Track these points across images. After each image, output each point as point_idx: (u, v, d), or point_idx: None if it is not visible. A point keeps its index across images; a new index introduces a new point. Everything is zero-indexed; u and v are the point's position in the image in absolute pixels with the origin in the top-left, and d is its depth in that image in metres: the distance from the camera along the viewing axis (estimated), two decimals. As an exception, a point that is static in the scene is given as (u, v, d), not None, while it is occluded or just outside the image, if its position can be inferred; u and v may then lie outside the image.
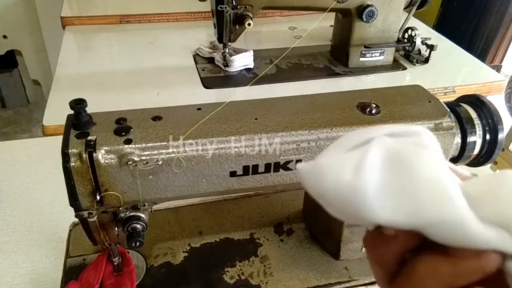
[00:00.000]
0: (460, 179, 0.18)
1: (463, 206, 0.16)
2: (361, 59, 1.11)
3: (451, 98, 0.71)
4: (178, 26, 1.33)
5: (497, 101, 1.00)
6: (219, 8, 0.93)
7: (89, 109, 0.43)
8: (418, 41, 1.12)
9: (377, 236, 0.19)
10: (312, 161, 0.19)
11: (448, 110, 0.49)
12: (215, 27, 0.99)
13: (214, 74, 1.08)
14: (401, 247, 0.19)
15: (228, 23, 0.96)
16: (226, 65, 1.07)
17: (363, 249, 0.54)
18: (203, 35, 1.24)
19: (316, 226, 0.65)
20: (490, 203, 0.17)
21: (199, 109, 0.47)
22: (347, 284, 0.59)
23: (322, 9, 1.02)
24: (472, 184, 0.17)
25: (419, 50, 1.15)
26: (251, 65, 1.10)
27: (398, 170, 0.17)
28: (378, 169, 0.17)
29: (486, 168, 0.83)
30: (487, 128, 0.49)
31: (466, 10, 2.11)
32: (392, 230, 0.18)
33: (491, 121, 0.49)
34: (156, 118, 0.45)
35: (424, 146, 0.17)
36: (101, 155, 0.41)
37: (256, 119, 0.46)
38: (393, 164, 0.17)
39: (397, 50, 1.17)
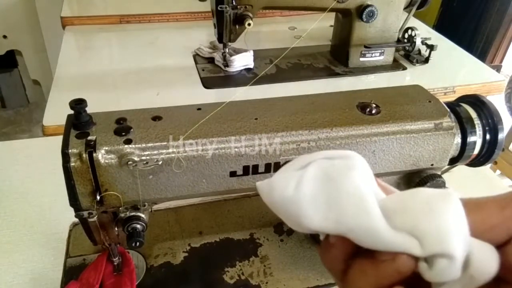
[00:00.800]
0: (385, 193, 0.22)
1: (378, 217, 0.20)
2: (361, 59, 1.11)
3: (451, 98, 0.71)
4: (178, 26, 1.33)
5: (497, 101, 1.00)
6: (219, 8, 0.94)
7: (89, 109, 0.43)
8: (418, 41, 1.12)
9: (325, 243, 0.23)
10: (267, 179, 0.23)
11: (448, 110, 0.49)
12: (215, 27, 0.99)
13: (214, 74, 1.08)
14: (340, 251, 0.22)
15: (228, 23, 0.96)
16: (226, 65, 1.07)
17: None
18: (203, 35, 1.24)
19: (316, 226, 0.65)
20: (402, 214, 0.20)
21: (199, 109, 0.47)
22: (347, 284, 0.59)
23: (322, 9, 1.02)
24: (391, 199, 0.21)
25: (419, 50, 1.15)
26: (251, 65, 1.10)
27: (328, 186, 0.21)
28: (312, 185, 0.21)
29: (486, 168, 0.83)
30: (487, 128, 0.49)
31: (466, 10, 2.11)
32: (333, 238, 0.22)
33: (491, 121, 0.49)
34: (156, 118, 0.45)
35: (352, 167, 0.21)
36: (101, 155, 0.41)
37: (256, 119, 0.45)
38: (324, 181, 0.21)
39: (397, 50, 1.17)
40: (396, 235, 0.20)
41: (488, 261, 0.19)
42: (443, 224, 0.19)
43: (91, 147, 0.40)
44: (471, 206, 0.20)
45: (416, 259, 0.20)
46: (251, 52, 1.10)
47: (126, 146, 0.41)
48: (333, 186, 0.21)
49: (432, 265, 0.19)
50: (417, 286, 0.20)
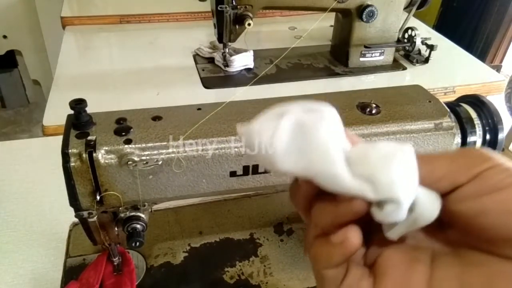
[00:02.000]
0: (352, 144, 0.24)
1: (340, 165, 0.23)
2: (361, 59, 1.11)
3: (451, 98, 0.71)
4: (178, 26, 1.33)
5: (497, 101, 1.00)
6: (219, 8, 0.93)
7: (89, 109, 0.43)
8: (418, 41, 1.12)
9: (293, 185, 0.26)
10: (247, 124, 0.26)
11: (448, 110, 0.48)
12: (215, 27, 0.99)
13: (214, 74, 1.08)
14: (306, 192, 0.25)
15: (228, 23, 0.96)
16: (226, 65, 1.07)
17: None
18: (203, 35, 1.24)
19: (316, 226, 0.65)
20: (362, 163, 0.23)
21: (199, 109, 0.47)
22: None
23: (322, 9, 1.02)
24: (355, 149, 0.24)
25: (419, 50, 1.15)
26: (251, 65, 1.10)
27: (299, 135, 0.24)
28: (286, 133, 0.24)
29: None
30: (487, 128, 0.49)
31: (466, 10, 2.11)
32: (300, 180, 0.25)
33: (491, 121, 0.49)
34: (156, 118, 0.45)
35: (323, 120, 0.24)
36: (101, 155, 0.41)
37: (256, 119, 0.45)
38: (297, 130, 0.24)
39: (397, 50, 1.17)
40: (355, 181, 0.23)
41: (430, 207, 0.23)
42: (394, 174, 0.22)
43: (91, 147, 0.40)
44: (425, 159, 0.23)
45: (369, 203, 0.23)
46: (251, 52, 1.10)
47: (126, 146, 0.41)
48: (304, 137, 0.23)
49: (382, 209, 0.22)
50: (370, 226, 0.24)
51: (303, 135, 0.23)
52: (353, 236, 0.23)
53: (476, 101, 0.50)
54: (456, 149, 0.24)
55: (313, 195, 0.25)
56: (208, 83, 1.04)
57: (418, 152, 0.23)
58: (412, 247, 0.25)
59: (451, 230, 0.24)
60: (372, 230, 0.25)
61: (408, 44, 1.14)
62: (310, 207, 0.26)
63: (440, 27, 2.16)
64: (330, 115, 0.24)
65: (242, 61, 1.08)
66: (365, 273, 0.24)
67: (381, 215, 0.23)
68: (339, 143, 0.24)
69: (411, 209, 0.22)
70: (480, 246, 0.23)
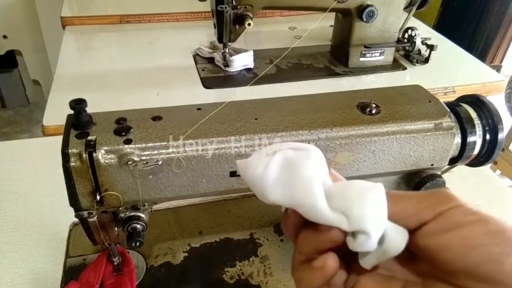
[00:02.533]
0: (334, 181, 0.28)
1: (320, 198, 0.26)
2: (361, 59, 1.11)
3: (451, 98, 0.71)
4: (178, 26, 1.33)
5: (497, 101, 1.00)
6: (219, 8, 0.93)
7: (89, 109, 0.43)
8: (418, 41, 1.12)
9: (284, 214, 0.30)
10: (244, 159, 0.29)
11: (448, 110, 0.48)
12: (215, 27, 0.99)
13: (214, 74, 1.08)
14: (294, 221, 0.29)
15: (228, 23, 0.96)
16: (226, 65, 1.07)
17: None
18: (203, 35, 1.24)
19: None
20: (339, 198, 0.26)
21: (199, 109, 0.47)
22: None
23: (322, 9, 1.02)
24: (335, 185, 0.27)
25: (419, 50, 1.15)
26: (251, 65, 1.10)
27: (287, 170, 0.27)
28: (276, 169, 0.27)
29: (486, 168, 0.83)
30: (487, 128, 0.49)
31: (466, 10, 2.10)
32: (290, 210, 0.28)
33: (491, 121, 0.49)
34: (156, 118, 0.45)
35: (308, 158, 0.27)
36: (101, 155, 0.41)
37: (256, 119, 0.45)
38: (285, 166, 0.27)
39: (397, 50, 1.17)
40: (332, 213, 0.26)
41: (398, 240, 0.25)
42: (366, 209, 0.25)
43: (91, 147, 0.40)
44: (396, 197, 0.26)
45: (344, 233, 0.26)
46: (251, 52, 1.10)
47: (126, 146, 0.41)
48: (291, 171, 0.27)
49: (355, 239, 0.25)
50: (350, 256, 0.27)
51: (291, 169, 0.27)
52: (331, 261, 0.26)
53: (476, 101, 0.50)
54: (425, 191, 0.29)
55: (300, 224, 0.28)
56: (208, 83, 1.04)
57: (390, 189, 0.26)
58: (386, 277, 0.27)
59: (421, 263, 0.26)
60: (352, 259, 0.27)
61: (408, 44, 1.14)
62: (297, 235, 0.29)
63: (440, 27, 2.16)
64: (315, 154, 0.28)
65: (242, 61, 1.08)
66: None
67: (354, 244, 0.25)
68: (321, 179, 0.27)
69: (381, 241, 0.25)
70: (444, 277, 0.25)
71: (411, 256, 0.26)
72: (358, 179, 0.27)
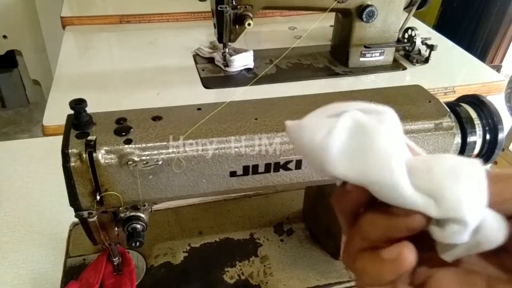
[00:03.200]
0: (412, 154, 0.23)
1: (402, 175, 0.21)
2: (361, 59, 1.11)
3: (451, 98, 0.71)
4: (178, 26, 1.33)
5: (497, 101, 1.00)
6: (219, 8, 0.93)
7: (89, 109, 0.43)
8: (418, 41, 1.12)
9: (340, 190, 0.24)
10: (298, 120, 0.24)
11: (448, 110, 0.48)
12: (215, 27, 0.99)
13: (214, 74, 1.08)
14: (355, 200, 0.24)
15: (228, 23, 0.96)
16: (226, 65, 1.07)
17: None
18: (203, 35, 1.24)
19: (316, 226, 0.65)
20: (425, 175, 0.21)
21: (199, 109, 0.47)
22: (347, 284, 0.59)
23: (322, 9, 1.02)
24: (417, 159, 0.22)
25: (419, 50, 1.15)
26: (251, 65, 1.10)
27: (358, 138, 0.22)
28: (343, 134, 0.22)
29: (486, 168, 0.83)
30: (487, 128, 0.49)
31: (466, 10, 2.10)
32: (350, 186, 0.23)
33: (491, 121, 0.49)
34: (156, 118, 0.45)
35: (384, 123, 0.22)
36: (101, 155, 0.41)
37: (256, 119, 0.45)
38: (356, 132, 0.22)
39: (397, 50, 1.17)
40: (416, 194, 0.21)
41: (497, 231, 0.21)
42: (463, 191, 0.20)
43: (91, 147, 0.40)
44: (492, 178, 0.21)
45: (428, 219, 0.21)
46: (251, 52, 1.10)
47: (126, 146, 0.41)
48: (363, 140, 0.22)
49: (444, 227, 0.21)
50: (419, 241, 0.22)
51: (362, 137, 0.22)
52: (408, 253, 0.21)
53: (476, 101, 0.50)
54: None
55: (363, 203, 0.24)
56: (208, 83, 1.04)
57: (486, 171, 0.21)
58: (466, 271, 0.23)
59: (508, 255, 0.22)
60: (422, 246, 0.22)
61: (408, 44, 1.14)
62: (355, 215, 0.24)
63: (440, 27, 2.16)
64: (391, 119, 0.23)
65: (242, 61, 1.08)
66: None
67: (442, 234, 0.21)
68: (401, 151, 0.22)
69: (476, 232, 0.21)
70: None
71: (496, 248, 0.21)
72: (443, 154, 0.23)
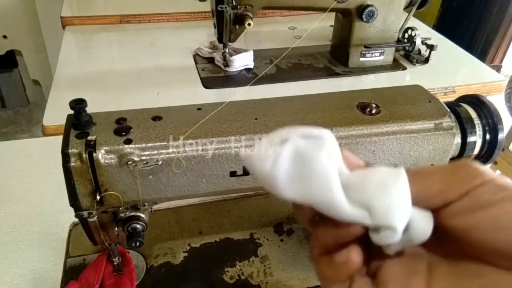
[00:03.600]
0: (350, 167, 0.26)
1: (338, 194, 0.24)
2: (361, 59, 1.11)
3: (451, 98, 0.71)
4: (178, 26, 1.33)
5: (497, 101, 1.00)
6: (219, 8, 0.93)
7: (89, 109, 0.43)
8: (418, 41, 1.12)
9: (296, 205, 0.27)
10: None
11: (448, 110, 0.48)
12: (215, 27, 0.99)
13: (214, 74, 1.08)
14: (308, 212, 0.27)
15: (228, 23, 0.96)
16: (226, 65, 1.07)
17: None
18: (203, 35, 1.24)
19: (316, 226, 0.65)
20: (359, 190, 0.24)
21: (199, 109, 0.47)
22: (347, 284, 0.59)
23: (322, 9, 1.02)
24: (352, 176, 0.25)
25: (419, 50, 1.15)
26: (251, 65, 1.10)
27: (299, 165, 0.25)
28: (286, 163, 0.25)
29: (486, 168, 0.82)
30: (487, 128, 0.49)
31: (466, 10, 2.11)
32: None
33: (491, 121, 0.49)
34: (156, 118, 0.45)
35: (321, 148, 0.25)
36: (101, 155, 0.41)
37: (256, 119, 0.45)
38: (298, 159, 0.25)
39: (397, 50, 1.17)
40: (353, 209, 0.24)
41: (423, 227, 0.24)
42: (390, 202, 0.23)
43: (91, 147, 0.40)
44: (417, 176, 0.24)
45: (366, 227, 0.24)
46: (251, 52, 1.10)
47: (126, 146, 0.41)
48: (304, 165, 0.25)
49: (378, 232, 0.24)
50: (369, 239, 0.26)
51: (303, 164, 0.25)
52: (355, 256, 0.25)
53: (476, 101, 0.50)
54: (449, 164, 0.26)
55: (316, 213, 0.27)
56: (208, 83, 1.04)
57: (412, 165, 0.23)
58: (410, 258, 0.26)
59: (445, 242, 0.25)
60: (372, 242, 0.26)
61: (408, 44, 1.14)
62: (313, 223, 0.27)
63: (440, 27, 2.16)
64: (328, 142, 0.25)
65: (242, 61, 1.08)
66: (368, 282, 0.26)
67: (378, 238, 0.24)
68: (337, 171, 0.25)
69: (405, 231, 0.24)
70: (475, 256, 0.23)
71: (434, 235, 0.24)
72: (375, 168, 0.25)
